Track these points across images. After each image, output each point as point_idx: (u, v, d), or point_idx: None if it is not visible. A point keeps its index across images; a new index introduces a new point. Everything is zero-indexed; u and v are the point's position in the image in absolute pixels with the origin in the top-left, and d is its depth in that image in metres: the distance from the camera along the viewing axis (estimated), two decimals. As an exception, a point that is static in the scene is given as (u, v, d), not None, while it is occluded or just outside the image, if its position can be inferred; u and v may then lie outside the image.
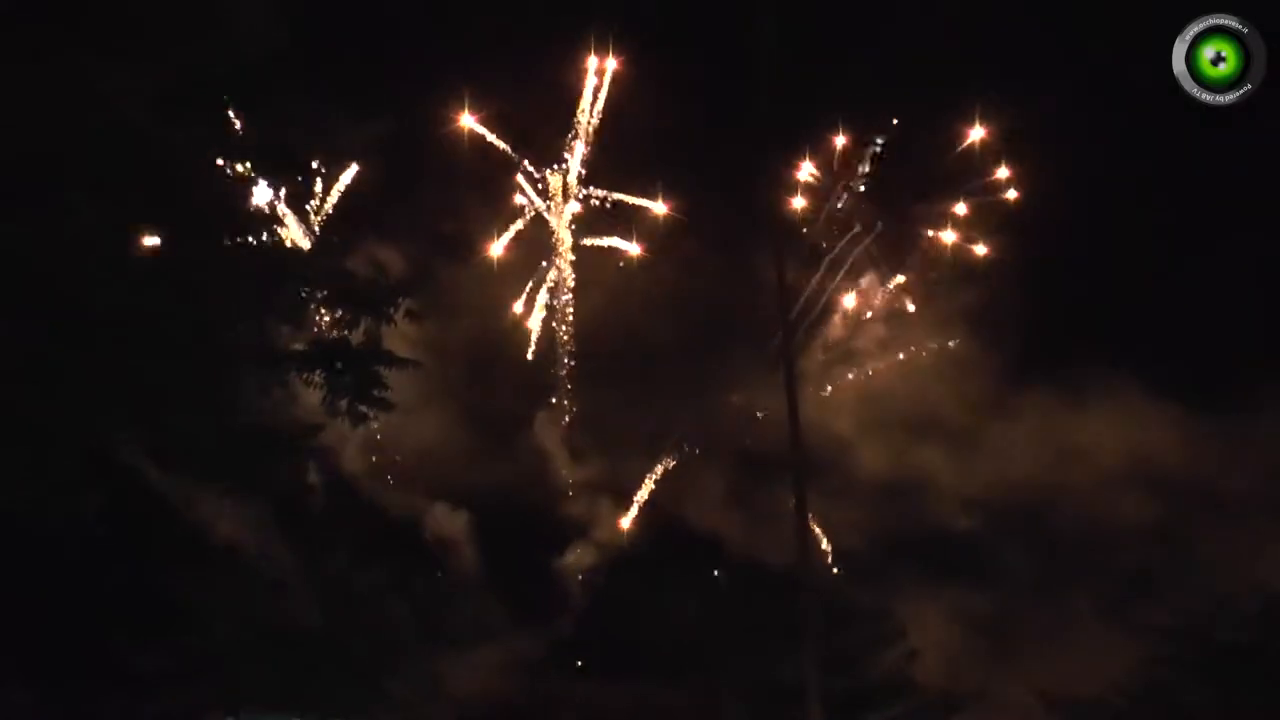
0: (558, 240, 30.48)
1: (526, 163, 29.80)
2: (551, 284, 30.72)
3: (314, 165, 19.41)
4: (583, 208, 30.21)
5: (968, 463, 28.96)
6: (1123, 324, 27.91)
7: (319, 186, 26.48)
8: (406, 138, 26.50)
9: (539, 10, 26.81)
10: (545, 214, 30.21)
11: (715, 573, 29.85)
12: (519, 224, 30.17)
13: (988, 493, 28.51)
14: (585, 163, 29.81)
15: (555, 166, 30.03)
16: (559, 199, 30.23)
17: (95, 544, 14.66)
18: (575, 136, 29.46)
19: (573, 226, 30.36)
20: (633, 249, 30.14)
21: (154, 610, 15.53)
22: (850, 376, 30.20)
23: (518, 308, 30.73)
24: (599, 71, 28.88)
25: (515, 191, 30.02)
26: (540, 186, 30.13)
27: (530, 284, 30.70)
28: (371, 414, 16.08)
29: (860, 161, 29.35)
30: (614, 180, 29.90)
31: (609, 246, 30.40)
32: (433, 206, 28.71)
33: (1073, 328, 27.99)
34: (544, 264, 30.62)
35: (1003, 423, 29.07)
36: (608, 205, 30.13)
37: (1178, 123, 20.25)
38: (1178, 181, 26.43)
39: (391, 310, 16.08)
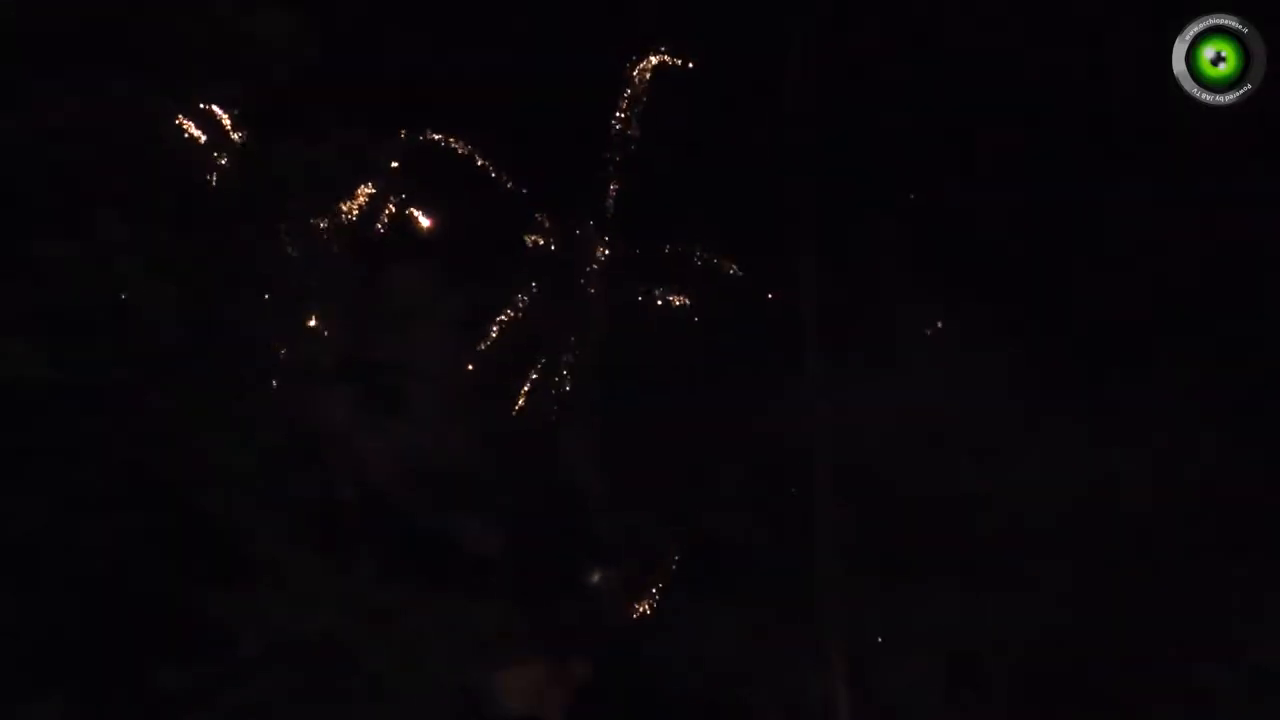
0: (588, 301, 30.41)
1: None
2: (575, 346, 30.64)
3: (343, 182, 19.54)
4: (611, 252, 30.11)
5: (1004, 476, 28.81)
6: (1149, 333, 27.72)
7: (350, 202, 26.60)
8: (434, 153, 26.57)
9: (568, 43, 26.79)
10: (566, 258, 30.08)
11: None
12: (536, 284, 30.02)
13: (1026, 506, 28.36)
14: (615, 198, 29.71)
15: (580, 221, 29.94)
16: (590, 241, 30.22)
17: (123, 560, 14.73)
18: (607, 172, 29.37)
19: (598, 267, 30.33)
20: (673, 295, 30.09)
21: (180, 626, 15.60)
22: (881, 388, 30.09)
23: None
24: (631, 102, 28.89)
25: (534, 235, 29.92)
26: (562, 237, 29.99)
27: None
28: (396, 427, 16.22)
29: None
30: (646, 212, 29.80)
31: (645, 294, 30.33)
32: (462, 223, 28.77)
33: (1099, 339, 27.85)
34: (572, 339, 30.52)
35: (1039, 436, 28.91)
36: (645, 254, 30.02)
37: (1177, 123, 20.21)
38: (1176, 182, 26.32)
39: (414, 325, 16.22)
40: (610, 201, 29.87)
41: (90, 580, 14.25)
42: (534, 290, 30.34)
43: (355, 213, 26.46)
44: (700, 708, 27.89)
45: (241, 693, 15.23)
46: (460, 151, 28.14)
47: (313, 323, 16.57)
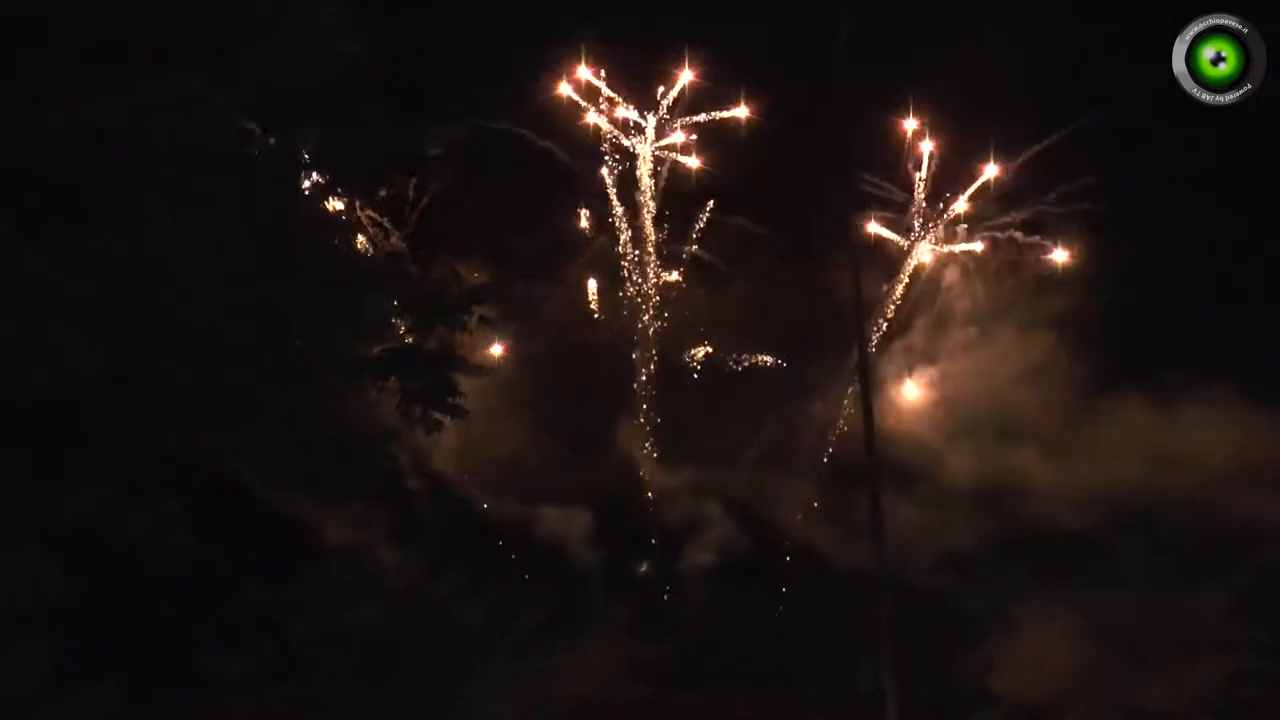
0: (645, 242, 30.40)
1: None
2: (634, 291, 30.64)
3: (392, 174, 19.50)
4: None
5: (1065, 467, 28.60)
6: (1193, 328, 27.49)
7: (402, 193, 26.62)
8: (488, 145, 26.56)
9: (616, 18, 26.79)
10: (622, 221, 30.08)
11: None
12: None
13: (1088, 497, 28.13)
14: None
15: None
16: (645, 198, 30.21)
17: (176, 551, 14.79)
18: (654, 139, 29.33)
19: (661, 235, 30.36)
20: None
21: (234, 615, 15.66)
22: (934, 382, 29.94)
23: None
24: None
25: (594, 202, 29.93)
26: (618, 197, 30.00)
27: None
28: (445, 421, 16.13)
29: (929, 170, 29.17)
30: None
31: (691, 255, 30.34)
32: (515, 215, 28.81)
33: (1154, 333, 27.63)
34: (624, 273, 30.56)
35: (1096, 427, 28.68)
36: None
37: (1178, 123, 20.09)
38: (1176, 182, 26.13)
39: (465, 318, 16.12)
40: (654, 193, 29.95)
41: (141, 568, 14.32)
42: (588, 281, 30.46)
43: (405, 202, 26.56)
44: (753, 694, 27.87)
45: (292, 681, 15.27)
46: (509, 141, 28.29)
47: (366, 313, 16.48)
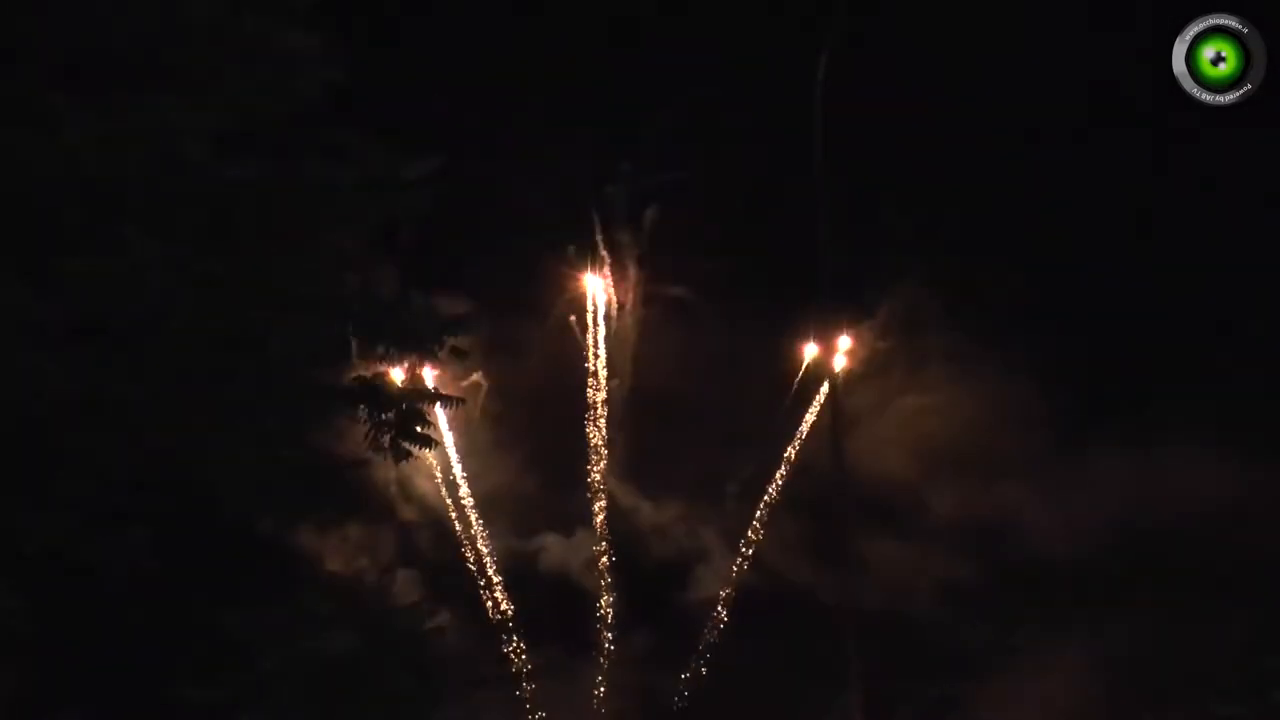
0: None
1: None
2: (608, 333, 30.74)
3: (370, 203, 19.50)
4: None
5: (1051, 500, 28.69)
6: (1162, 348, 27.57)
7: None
8: (467, 176, 26.63)
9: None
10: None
11: None
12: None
13: (1076, 530, 28.19)
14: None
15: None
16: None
17: (142, 576, 14.73)
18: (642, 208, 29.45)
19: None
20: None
21: (200, 642, 15.57)
22: (913, 417, 30.03)
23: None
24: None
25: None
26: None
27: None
28: (415, 450, 16.15)
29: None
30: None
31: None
32: (496, 248, 28.92)
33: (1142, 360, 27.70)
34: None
35: (1082, 463, 28.75)
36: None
37: (1177, 123, 20.27)
38: (1178, 183, 26.25)
39: (436, 348, 16.14)
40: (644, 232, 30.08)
41: (111, 595, 14.27)
42: (567, 319, 30.55)
43: (380, 234, 26.50)
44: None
45: (263, 709, 15.18)
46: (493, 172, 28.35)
47: (339, 344, 16.50)
